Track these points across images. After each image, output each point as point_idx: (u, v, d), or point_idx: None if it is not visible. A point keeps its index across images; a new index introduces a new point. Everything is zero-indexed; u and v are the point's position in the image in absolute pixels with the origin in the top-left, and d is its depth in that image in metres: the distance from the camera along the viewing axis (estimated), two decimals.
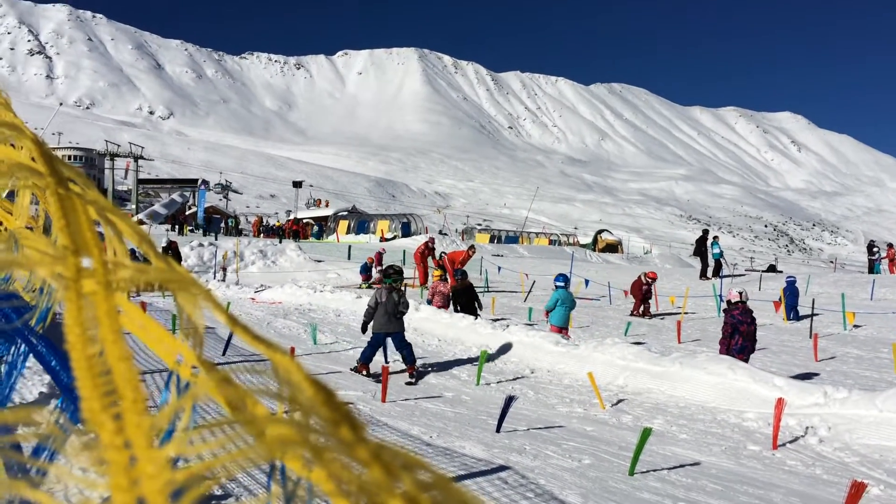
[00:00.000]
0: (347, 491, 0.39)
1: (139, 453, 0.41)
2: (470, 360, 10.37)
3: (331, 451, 0.40)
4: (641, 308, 17.31)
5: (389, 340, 9.58)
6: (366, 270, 23.65)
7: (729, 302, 9.94)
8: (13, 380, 1.24)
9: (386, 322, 9.20)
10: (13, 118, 1.03)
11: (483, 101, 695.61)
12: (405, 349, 9.14)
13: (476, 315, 13.37)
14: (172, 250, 22.70)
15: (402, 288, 9.78)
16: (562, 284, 12.24)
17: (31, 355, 1.25)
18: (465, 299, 14.23)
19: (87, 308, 0.53)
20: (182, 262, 23.52)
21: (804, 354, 11.75)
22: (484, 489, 4.86)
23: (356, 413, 0.44)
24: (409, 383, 8.81)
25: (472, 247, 21.72)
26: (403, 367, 9.29)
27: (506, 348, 11.00)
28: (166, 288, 0.53)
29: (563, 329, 11.86)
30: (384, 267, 11.59)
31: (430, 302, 14.63)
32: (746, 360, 9.36)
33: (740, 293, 9.90)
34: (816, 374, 10.11)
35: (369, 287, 22.41)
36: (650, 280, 17.40)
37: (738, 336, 9.64)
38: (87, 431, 0.45)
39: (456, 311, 13.90)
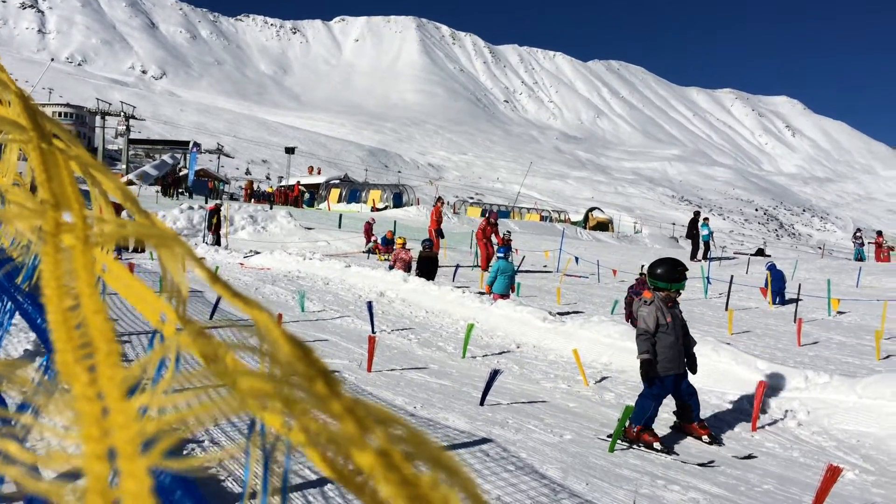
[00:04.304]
0: (318, 442, 0.40)
1: (111, 404, 0.41)
2: (456, 333, 10.43)
3: (303, 404, 0.41)
4: None
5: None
6: (386, 243, 23.66)
7: (642, 274, 10.96)
8: None
9: (676, 356, 6.06)
10: (0, 72, 1.01)
11: (480, 74, 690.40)
12: (693, 397, 6.14)
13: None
14: (213, 215, 23.37)
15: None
16: (501, 255, 13.49)
17: (16, 313, 1.24)
18: (427, 268, 15.68)
19: (64, 262, 0.53)
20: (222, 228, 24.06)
21: (787, 339, 11.85)
22: (466, 461, 4.91)
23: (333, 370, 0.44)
24: (712, 443, 6.01)
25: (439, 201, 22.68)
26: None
27: (493, 322, 11.05)
28: (146, 242, 0.53)
29: (504, 296, 12.86)
30: (649, 276, 6.39)
31: (391, 268, 16.08)
32: None
33: (643, 266, 10.65)
34: (798, 359, 10.22)
35: (385, 259, 21.99)
36: None
37: None
38: (60, 383, 0.45)
39: (418, 276, 15.15)
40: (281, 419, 0.42)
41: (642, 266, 10.74)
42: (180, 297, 0.57)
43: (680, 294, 6.28)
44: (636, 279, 10.70)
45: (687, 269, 6.35)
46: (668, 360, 5.97)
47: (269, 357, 0.45)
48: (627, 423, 5.85)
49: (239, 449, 0.50)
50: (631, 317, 10.56)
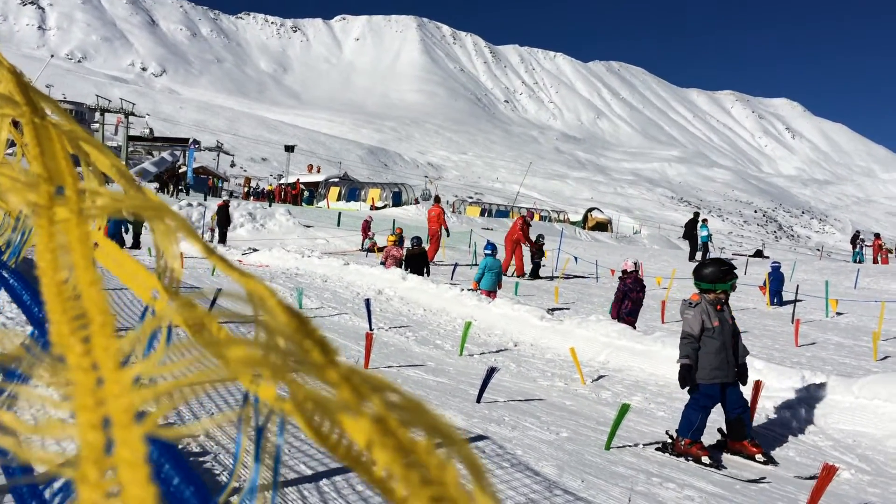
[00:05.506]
0: (305, 408, 0.39)
1: (106, 375, 0.41)
2: (454, 331, 10.43)
3: (291, 371, 0.40)
4: None
5: None
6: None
7: (624, 271, 10.84)
8: None
9: (723, 362, 5.66)
10: None
11: (480, 74, 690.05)
12: (746, 411, 5.74)
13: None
14: (222, 211, 23.32)
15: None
16: (489, 252, 13.47)
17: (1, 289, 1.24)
18: (416, 265, 15.76)
19: (58, 235, 0.52)
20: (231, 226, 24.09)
21: (785, 339, 11.86)
22: None
23: (328, 339, 0.43)
24: (766, 462, 5.58)
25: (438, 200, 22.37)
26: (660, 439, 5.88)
27: (490, 321, 11.05)
28: (141, 215, 0.52)
29: (492, 292, 12.84)
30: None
31: (383, 264, 16.14)
32: (635, 322, 10.49)
33: (635, 263, 10.80)
34: (796, 359, 10.22)
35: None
36: None
37: (628, 301, 10.62)
38: (55, 354, 0.45)
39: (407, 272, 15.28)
40: (273, 390, 0.42)
41: (635, 263, 10.81)
42: (173, 271, 0.57)
43: (728, 296, 5.96)
44: (627, 277, 10.78)
45: (735, 269, 6.05)
46: (714, 367, 5.60)
47: (266, 327, 0.44)
48: (675, 436, 5.63)
49: (228, 419, 0.50)
50: (619, 315, 10.64)
